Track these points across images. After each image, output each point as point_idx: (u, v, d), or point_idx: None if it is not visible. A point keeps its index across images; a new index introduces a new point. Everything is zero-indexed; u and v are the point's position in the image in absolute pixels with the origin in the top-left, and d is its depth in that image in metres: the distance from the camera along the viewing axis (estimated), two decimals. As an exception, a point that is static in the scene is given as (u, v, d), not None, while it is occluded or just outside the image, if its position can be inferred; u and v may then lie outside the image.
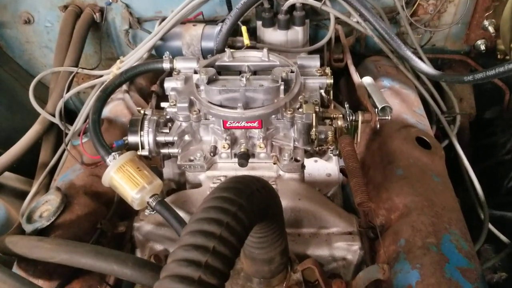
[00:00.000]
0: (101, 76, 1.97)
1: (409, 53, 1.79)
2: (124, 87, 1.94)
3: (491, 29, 2.17)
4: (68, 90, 1.94)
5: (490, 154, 2.37)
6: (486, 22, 2.18)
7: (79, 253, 1.17)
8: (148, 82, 2.11)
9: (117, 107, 1.88)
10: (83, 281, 1.34)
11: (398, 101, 1.86)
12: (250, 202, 0.90)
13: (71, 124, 1.86)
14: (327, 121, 1.50)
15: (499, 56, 2.22)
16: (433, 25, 2.26)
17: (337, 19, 2.04)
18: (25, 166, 1.92)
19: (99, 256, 1.16)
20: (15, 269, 1.29)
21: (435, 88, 2.12)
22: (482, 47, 2.26)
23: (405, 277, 1.25)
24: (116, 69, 1.88)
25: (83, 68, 2.04)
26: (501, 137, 2.35)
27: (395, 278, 1.27)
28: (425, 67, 1.76)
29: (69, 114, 1.91)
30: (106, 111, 1.85)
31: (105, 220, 1.48)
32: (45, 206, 1.44)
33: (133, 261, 1.15)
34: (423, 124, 1.79)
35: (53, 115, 1.91)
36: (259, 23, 2.04)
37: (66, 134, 1.78)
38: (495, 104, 2.49)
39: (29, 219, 1.40)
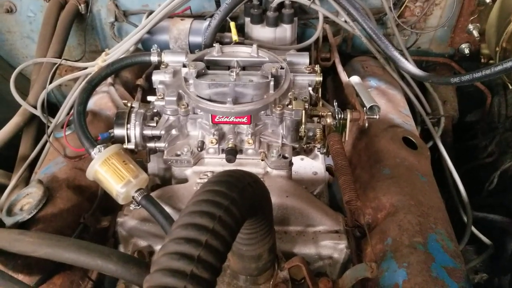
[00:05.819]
0: (85, 68, 1.92)
1: (396, 54, 1.80)
2: (109, 80, 1.91)
3: (475, 33, 2.20)
4: (51, 82, 1.88)
5: (471, 156, 2.40)
6: (470, 26, 2.21)
7: (62, 247, 1.13)
8: (133, 76, 2.07)
9: (102, 100, 1.84)
10: (65, 276, 1.31)
11: (384, 101, 1.87)
12: (242, 197, 0.88)
13: (52, 117, 1.82)
14: (315, 118, 1.50)
15: (482, 60, 2.25)
16: (419, 27, 2.27)
17: (325, 18, 2.04)
18: (5, 159, 1.86)
19: (82, 250, 1.12)
20: (-6, 263, 1.25)
21: (419, 90, 2.14)
22: (466, 51, 2.29)
23: (391, 276, 1.25)
24: (101, 62, 1.83)
25: (66, 60, 1.98)
26: (482, 140, 2.38)
27: (382, 277, 1.26)
28: (412, 68, 1.77)
29: (50, 107, 1.85)
30: (91, 104, 1.81)
31: (88, 214, 1.44)
32: (26, 199, 1.39)
33: (117, 256, 1.12)
34: (409, 125, 1.80)
35: (35, 107, 1.86)
36: (247, 19, 2.02)
37: (48, 126, 1.74)
38: (477, 107, 2.53)
39: (9, 212, 1.35)
